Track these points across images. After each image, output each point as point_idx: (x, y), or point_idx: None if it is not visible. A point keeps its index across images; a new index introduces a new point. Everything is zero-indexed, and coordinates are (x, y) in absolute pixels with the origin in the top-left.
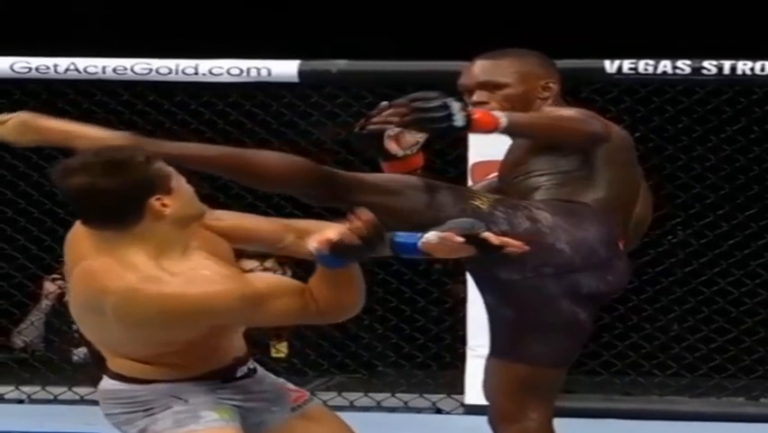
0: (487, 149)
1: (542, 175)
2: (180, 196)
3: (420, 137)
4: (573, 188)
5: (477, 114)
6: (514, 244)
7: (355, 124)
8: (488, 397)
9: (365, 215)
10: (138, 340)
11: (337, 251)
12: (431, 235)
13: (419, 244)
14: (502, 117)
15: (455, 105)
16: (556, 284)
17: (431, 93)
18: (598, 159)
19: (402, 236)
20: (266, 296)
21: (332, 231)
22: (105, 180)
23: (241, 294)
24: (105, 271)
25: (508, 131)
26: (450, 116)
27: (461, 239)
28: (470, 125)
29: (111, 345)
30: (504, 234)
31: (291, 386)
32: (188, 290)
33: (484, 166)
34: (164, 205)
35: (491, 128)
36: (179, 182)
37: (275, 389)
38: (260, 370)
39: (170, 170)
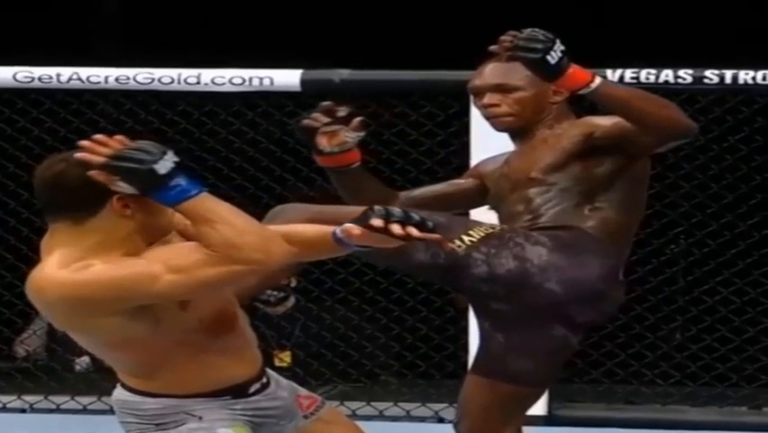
0: (492, 137)
1: (562, 190)
2: (149, 204)
3: (351, 138)
4: (588, 213)
5: (572, 67)
6: (411, 234)
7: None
8: (464, 413)
9: (103, 138)
10: (90, 342)
11: (121, 178)
12: (346, 226)
13: (337, 231)
14: (596, 79)
15: (559, 47)
16: (550, 315)
17: (545, 32)
18: (627, 177)
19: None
20: (163, 259)
21: None
22: (77, 169)
23: (135, 267)
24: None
25: (597, 94)
26: (549, 49)
27: (358, 231)
28: (561, 70)
29: (93, 353)
30: (481, 276)
31: (303, 392)
32: (82, 276)
33: None
34: (126, 206)
35: (581, 84)
36: None
37: (286, 404)
38: (273, 383)
39: None
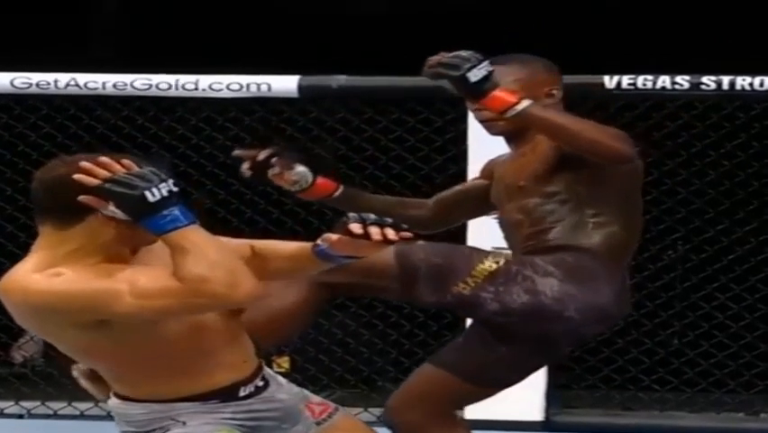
0: (489, 144)
1: (561, 203)
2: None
3: (296, 176)
4: (592, 228)
5: (498, 89)
6: (388, 236)
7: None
8: (406, 401)
9: (107, 161)
10: (59, 347)
11: (114, 203)
12: (325, 235)
13: (318, 242)
14: (523, 102)
15: (485, 68)
16: (565, 339)
17: (474, 53)
18: (622, 189)
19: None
20: (131, 280)
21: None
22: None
23: (100, 284)
24: None
25: (523, 116)
26: (472, 68)
27: (334, 237)
28: (483, 90)
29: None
30: (495, 311)
31: (316, 399)
32: (47, 284)
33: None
34: (112, 219)
35: (504, 106)
36: None
37: (286, 406)
38: (273, 386)
39: None
